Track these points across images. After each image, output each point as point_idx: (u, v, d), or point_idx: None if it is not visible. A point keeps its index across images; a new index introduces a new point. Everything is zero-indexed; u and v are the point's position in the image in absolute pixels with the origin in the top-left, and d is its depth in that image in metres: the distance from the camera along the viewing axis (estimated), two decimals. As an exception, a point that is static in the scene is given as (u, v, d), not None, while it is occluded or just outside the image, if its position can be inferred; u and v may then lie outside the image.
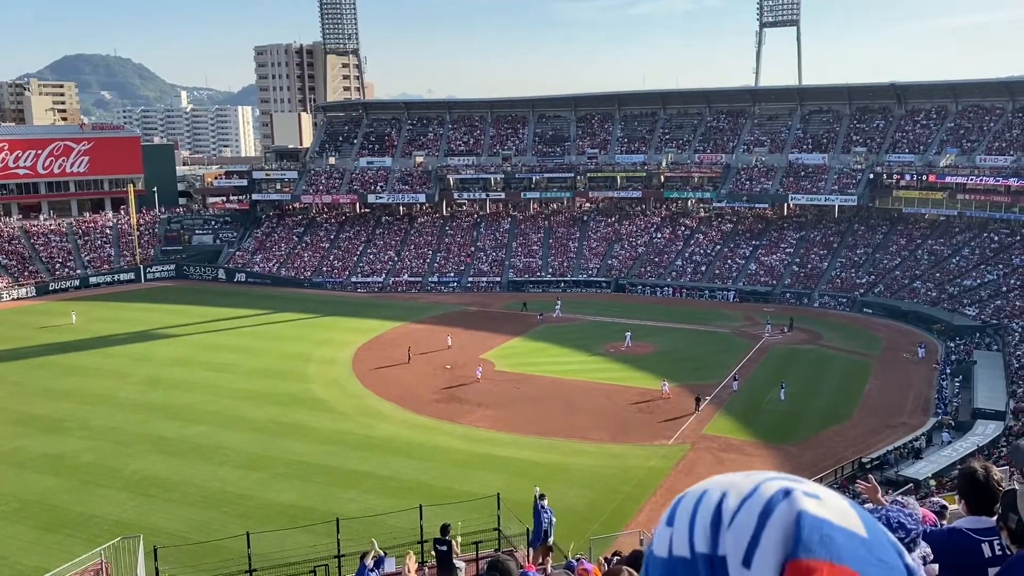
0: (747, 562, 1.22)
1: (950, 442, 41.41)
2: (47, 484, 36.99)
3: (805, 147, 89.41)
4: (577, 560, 17.81)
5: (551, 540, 22.03)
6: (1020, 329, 58.55)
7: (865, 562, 1.25)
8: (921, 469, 37.57)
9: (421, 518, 24.46)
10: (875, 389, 51.15)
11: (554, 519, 22.25)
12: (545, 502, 22.00)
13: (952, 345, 59.15)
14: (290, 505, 34.32)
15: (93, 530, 31.92)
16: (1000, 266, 71.95)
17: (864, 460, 38.50)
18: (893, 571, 1.28)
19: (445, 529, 19.63)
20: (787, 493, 1.28)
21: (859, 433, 43.16)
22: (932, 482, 35.12)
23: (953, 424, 44.42)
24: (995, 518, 3.60)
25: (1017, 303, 64.17)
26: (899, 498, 4.08)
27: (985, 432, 42.12)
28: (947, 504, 6.00)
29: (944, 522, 4.82)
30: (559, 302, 73.24)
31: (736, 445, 42.00)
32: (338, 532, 25.63)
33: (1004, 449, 38.85)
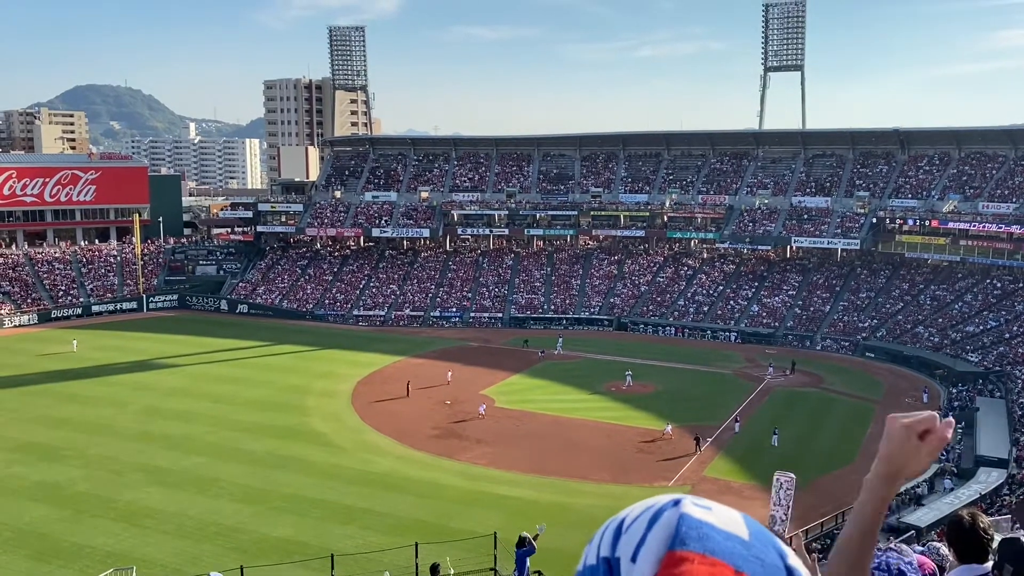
0: (634, 558, 1.41)
1: (952, 489, 41.00)
2: (41, 512, 36.70)
3: (808, 190, 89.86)
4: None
5: None
6: (1023, 376, 58.31)
7: (740, 558, 1.36)
8: (922, 516, 37.16)
9: (417, 556, 24.25)
10: (877, 434, 50.19)
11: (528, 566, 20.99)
12: (532, 544, 20.81)
13: (955, 391, 58.87)
14: (285, 539, 34.00)
15: (85, 560, 31.64)
16: (1003, 313, 71.84)
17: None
18: (770, 570, 1.39)
19: (435, 569, 19.41)
20: (676, 502, 1.46)
21: (861, 478, 42.08)
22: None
23: (955, 471, 44.01)
24: (991, 567, 3.57)
25: (1020, 350, 63.94)
26: (894, 546, 4.05)
27: (988, 480, 41.75)
28: (946, 553, 5.93)
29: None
30: (560, 339, 73.12)
31: (736, 488, 41.62)
32: (332, 568, 25.40)
33: (1007, 497, 38.50)
